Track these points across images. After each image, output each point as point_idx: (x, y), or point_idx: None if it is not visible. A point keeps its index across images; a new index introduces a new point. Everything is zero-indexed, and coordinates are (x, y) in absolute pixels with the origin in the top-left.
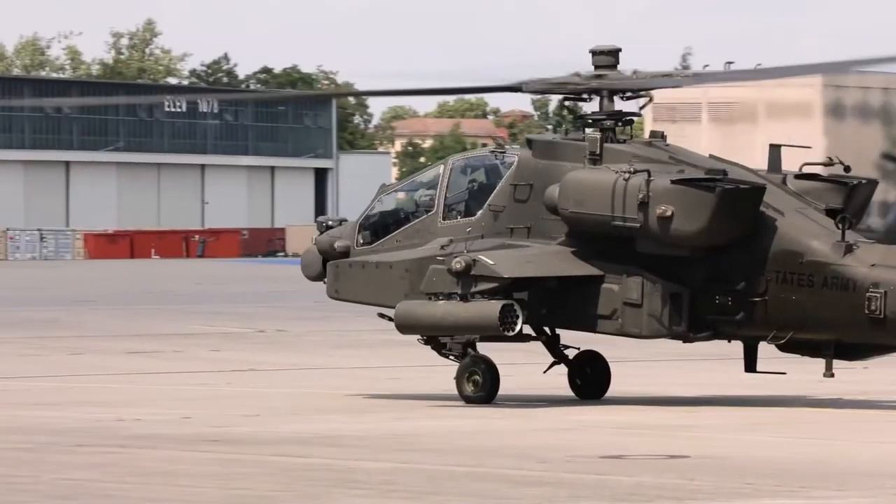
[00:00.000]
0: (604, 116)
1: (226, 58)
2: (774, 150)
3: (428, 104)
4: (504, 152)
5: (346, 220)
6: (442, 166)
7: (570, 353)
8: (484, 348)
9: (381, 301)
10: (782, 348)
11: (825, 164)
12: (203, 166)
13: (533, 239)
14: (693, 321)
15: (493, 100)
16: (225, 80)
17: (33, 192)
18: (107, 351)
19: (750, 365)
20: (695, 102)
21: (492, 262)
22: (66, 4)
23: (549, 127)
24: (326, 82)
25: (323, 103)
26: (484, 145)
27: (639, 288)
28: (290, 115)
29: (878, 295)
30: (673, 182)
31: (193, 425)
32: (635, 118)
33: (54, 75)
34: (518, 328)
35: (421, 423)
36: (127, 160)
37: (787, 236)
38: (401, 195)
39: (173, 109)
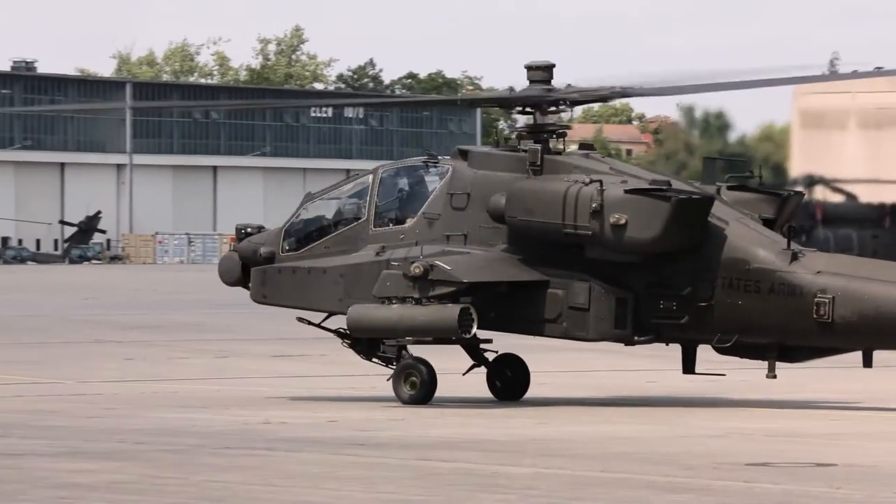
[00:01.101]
0: (540, 128)
1: (371, 63)
2: (709, 162)
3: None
4: (437, 162)
5: (263, 227)
6: (371, 175)
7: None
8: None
9: (313, 305)
10: (723, 351)
11: (747, 177)
12: (348, 171)
13: (470, 246)
14: (637, 325)
15: (638, 105)
16: (370, 85)
17: (182, 196)
18: (254, 354)
19: (688, 367)
20: (843, 110)
21: (449, 268)
22: (215, 11)
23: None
24: (471, 87)
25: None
26: (629, 152)
27: (585, 293)
28: (435, 120)
29: (827, 300)
30: (627, 192)
31: (339, 429)
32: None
33: (203, 81)
34: (473, 331)
35: (564, 429)
36: (273, 165)
37: (734, 244)
38: (328, 203)
39: (319, 115)
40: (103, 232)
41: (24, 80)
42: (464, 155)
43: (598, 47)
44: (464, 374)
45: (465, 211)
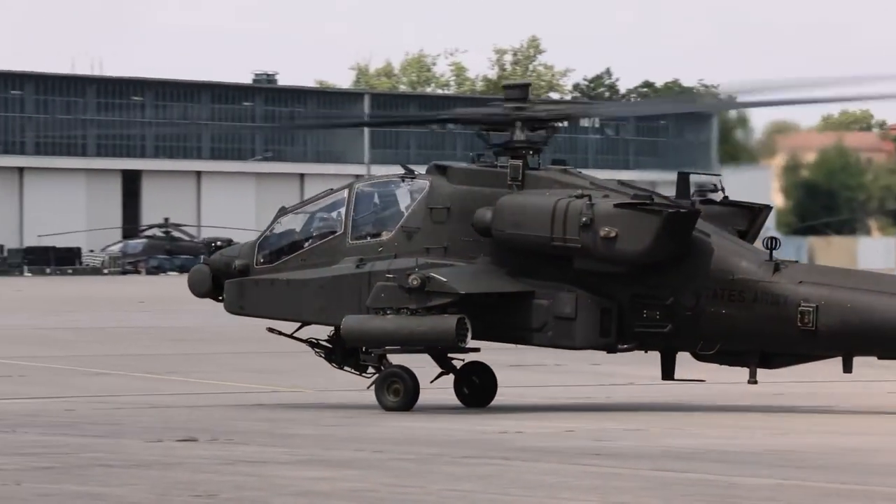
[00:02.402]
0: (518, 145)
1: (608, 73)
2: (683, 177)
3: (811, 117)
4: (414, 177)
5: (232, 241)
6: (346, 190)
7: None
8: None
9: (293, 316)
10: (704, 358)
11: (711, 191)
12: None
13: (450, 258)
14: (620, 333)
15: (879, 112)
16: (607, 94)
17: None
18: (493, 364)
19: (668, 373)
20: None
21: (445, 279)
22: (452, 22)
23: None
24: (709, 97)
25: (704, 117)
26: (869, 160)
27: (572, 303)
28: (672, 129)
29: (810, 309)
30: (616, 206)
31: (576, 439)
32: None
33: (439, 91)
34: (468, 340)
35: (803, 440)
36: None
37: (717, 256)
38: (302, 217)
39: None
40: None
41: (265, 91)
42: (441, 170)
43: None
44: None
45: (445, 224)
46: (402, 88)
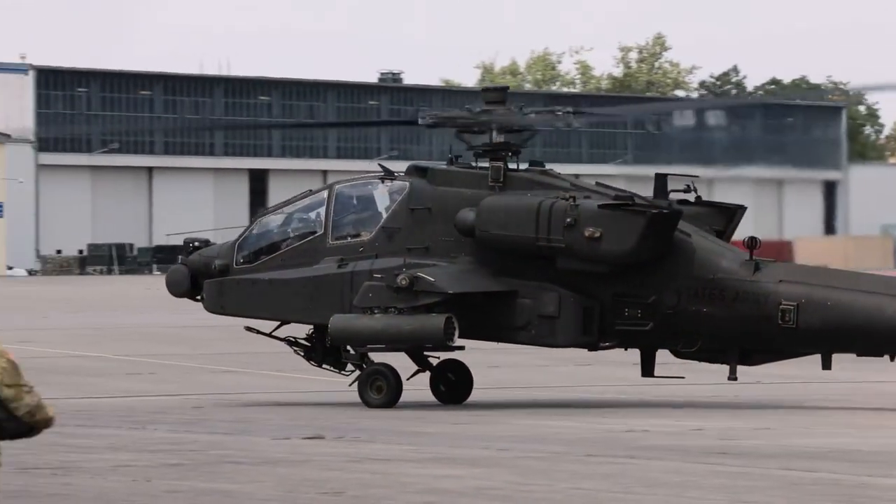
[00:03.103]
0: (496, 147)
1: (735, 70)
2: (660, 178)
3: None
4: (393, 178)
5: (209, 241)
6: (326, 191)
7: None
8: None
9: (274, 315)
10: (683, 356)
11: (685, 191)
12: (711, 180)
13: (431, 258)
14: (602, 331)
15: None
16: (734, 92)
17: None
18: (620, 363)
19: (647, 370)
20: None
21: (433, 279)
22: (577, 20)
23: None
24: (837, 93)
25: (833, 113)
26: None
27: (555, 302)
28: (800, 126)
29: (791, 307)
30: (601, 206)
31: (703, 437)
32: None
33: (564, 90)
34: (456, 339)
35: None
36: (633, 173)
37: (698, 255)
38: (281, 218)
39: (682, 123)
40: None
41: (391, 91)
42: (421, 172)
43: None
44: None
45: (426, 225)
46: (527, 87)
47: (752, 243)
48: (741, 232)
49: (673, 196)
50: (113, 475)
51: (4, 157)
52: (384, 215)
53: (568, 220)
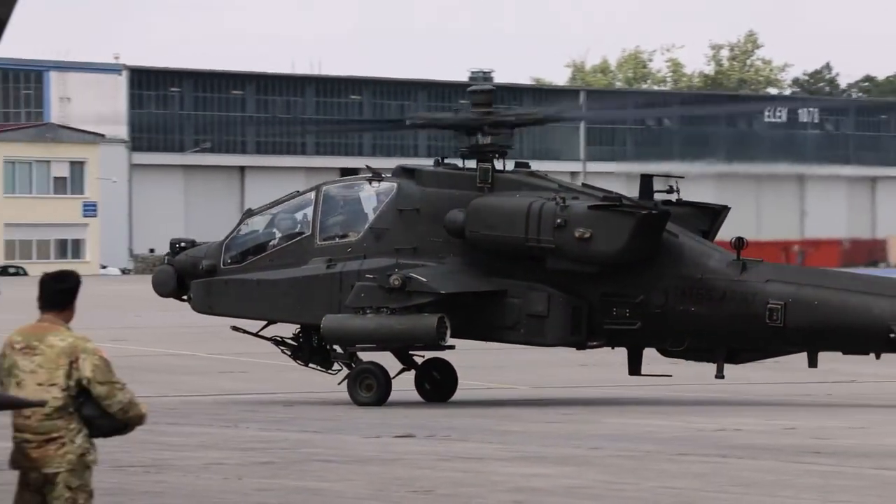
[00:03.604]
0: (486, 148)
1: (828, 67)
2: (646, 179)
3: None
4: (381, 179)
5: (195, 242)
6: (313, 192)
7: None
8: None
9: (263, 315)
10: (671, 354)
11: (668, 192)
12: (801, 176)
13: (420, 258)
14: (591, 330)
15: None
16: (826, 89)
17: None
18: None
19: (634, 368)
20: None
21: (425, 280)
22: (669, 18)
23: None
24: None
25: None
26: None
27: (544, 301)
28: (893, 123)
29: (779, 307)
30: (590, 207)
31: (795, 436)
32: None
33: (655, 88)
34: (448, 338)
35: None
36: (727, 171)
37: (686, 255)
38: (269, 219)
39: (774, 120)
40: None
41: None
42: (409, 173)
43: None
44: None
45: (414, 225)
46: (618, 85)
47: (739, 244)
48: (822, 228)
49: (657, 196)
50: (205, 473)
51: (98, 157)
52: (372, 216)
53: (558, 220)
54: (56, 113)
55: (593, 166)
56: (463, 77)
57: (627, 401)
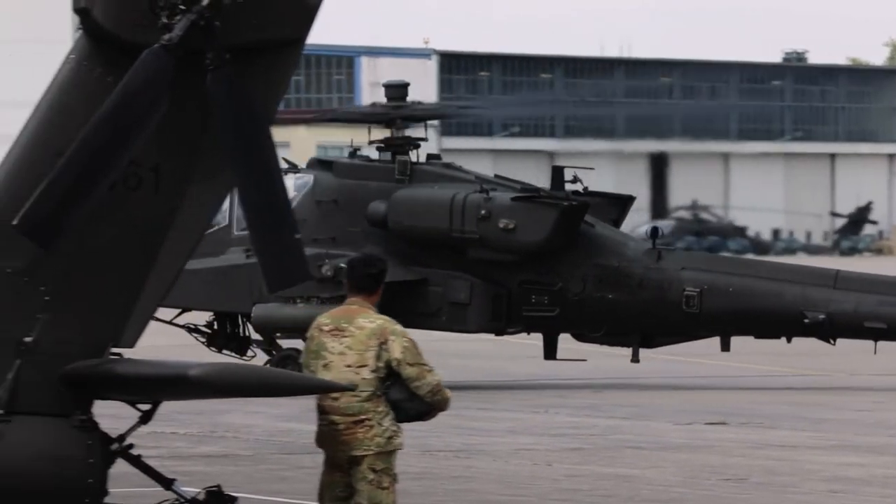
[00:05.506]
0: (396, 141)
1: None
2: (557, 170)
3: None
4: (297, 171)
5: None
6: None
7: None
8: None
9: (180, 304)
10: (588, 340)
11: (572, 182)
12: None
13: (338, 248)
14: (510, 317)
15: None
16: None
17: None
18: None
19: (550, 353)
20: None
21: None
22: None
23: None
24: None
25: None
26: None
27: (466, 289)
28: None
29: (695, 293)
30: (513, 199)
31: None
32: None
33: None
34: None
35: None
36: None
37: (603, 244)
38: None
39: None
40: (874, 223)
41: (795, 70)
42: (325, 165)
43: None
44: None
45: (332, 216)
46: None
47: (654, 233)
48: None
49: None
50: (514, 458)
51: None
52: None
53: (482, 212)
54: (367, 98)
55: None
56: (777, 58)
57: None
